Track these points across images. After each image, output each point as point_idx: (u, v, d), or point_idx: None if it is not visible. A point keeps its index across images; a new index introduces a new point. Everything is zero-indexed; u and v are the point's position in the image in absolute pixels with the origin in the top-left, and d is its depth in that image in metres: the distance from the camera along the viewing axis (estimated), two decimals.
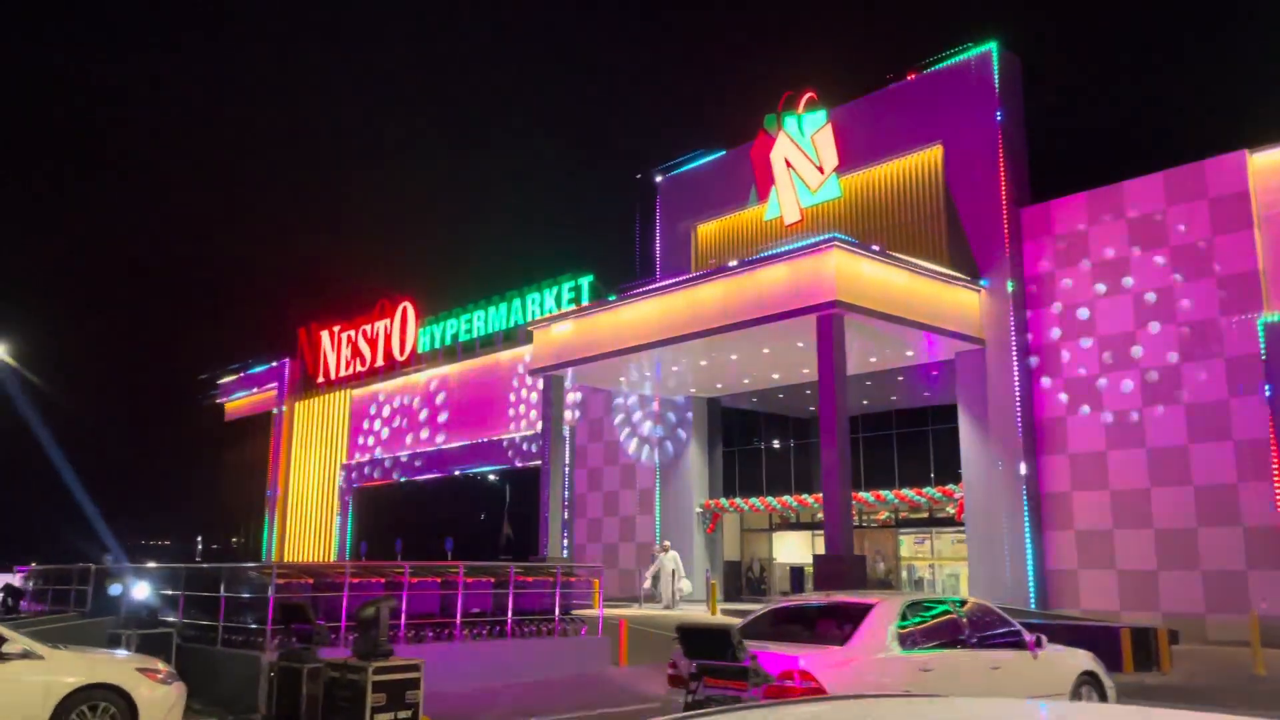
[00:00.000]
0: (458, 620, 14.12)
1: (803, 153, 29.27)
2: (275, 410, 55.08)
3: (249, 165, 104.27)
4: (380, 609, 10.26)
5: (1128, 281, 23.71)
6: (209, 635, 13.81)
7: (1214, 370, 22.17)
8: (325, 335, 51.98)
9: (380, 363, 48.09)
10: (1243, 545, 21.36)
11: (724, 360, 27.28)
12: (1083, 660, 10.17)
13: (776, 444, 32.71)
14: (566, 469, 35.78)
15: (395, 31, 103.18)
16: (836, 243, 22.53)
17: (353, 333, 50.14)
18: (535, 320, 31.36)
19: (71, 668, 9.26)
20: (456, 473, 43.12)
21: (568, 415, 36.80)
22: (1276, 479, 20.93)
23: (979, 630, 9.40)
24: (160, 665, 9.92)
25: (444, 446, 43.81)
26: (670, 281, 27.03)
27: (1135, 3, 55.72)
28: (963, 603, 9.60)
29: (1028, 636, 9.69)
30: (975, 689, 8.91)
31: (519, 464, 39.39)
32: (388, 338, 47.82)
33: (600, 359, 27.80)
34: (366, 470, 48.40)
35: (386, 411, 48.06)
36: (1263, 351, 21.43)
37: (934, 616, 9.14)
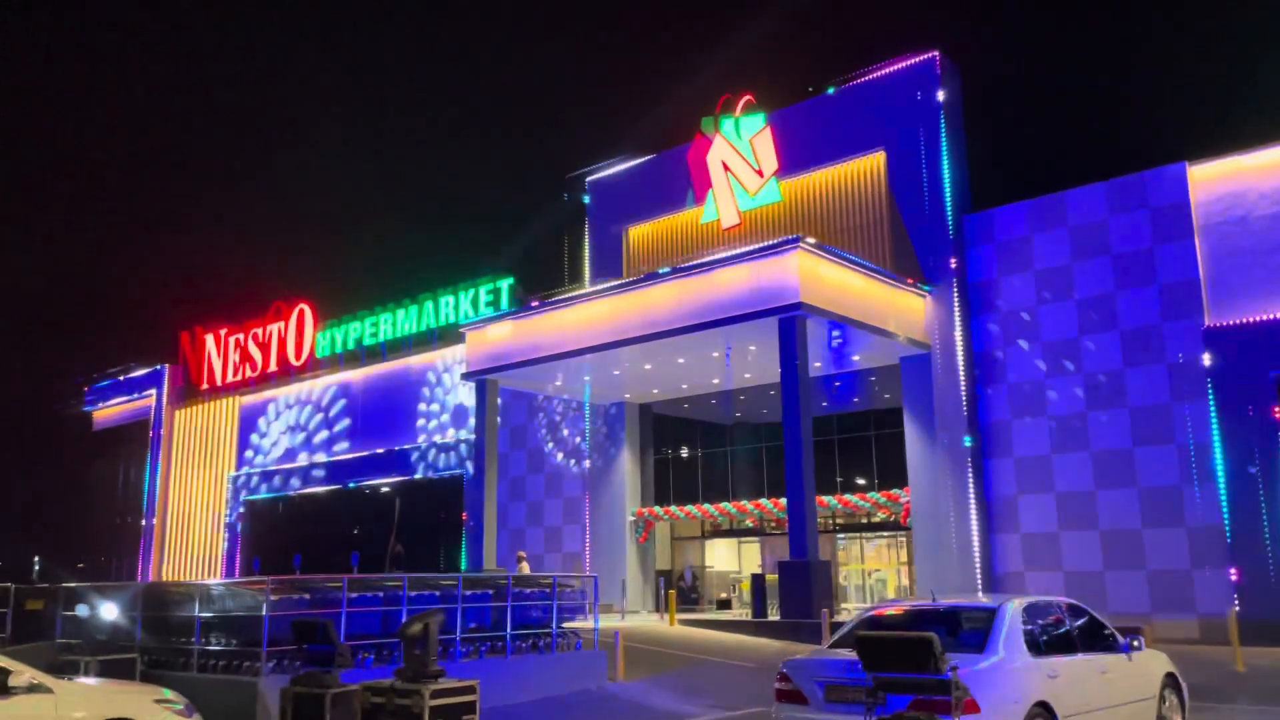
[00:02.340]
0: (457, 636, 12.98)
1: (741, 156, 28.99)
2: (152, 419, 51.49)
3: (135, 159, 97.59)
4: (430, 624, 9.17)
5: (1071, 288, 24.25)
6: (179, 660, 12.26)
7: (1157, 375, 22.82)
8: (210, 339, 48.97)
9: (273, 368, 45.53)
10: (1187, 545, 21.99)
11: (671, 364, 26.67)
12: (1164, 661, 9.93)
13: (712, 450, 32.25)
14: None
15: (309, 24, 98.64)
16: (800, 244, 22.23)
17: (241, 336, 47.37)
18: (469, 322, 30.05)
19: (84, 701, 7.86)
20: (360, 484, 41.09)
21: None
22: (1220, 480, 21.62)
23: (1084, 632, 9.02)
24: (175, 696, 8.57)
25: (346, 456, 41.69)
26: (622, 282, 26.28)
27: (1078, 15, 57.91)
28: (1064, 604, 9.20)
29: (1121, 639, 9.37)
30: (1093, 697, 8.50)
31: (431, 474, 37.79)
32: (281, 342, 45.34)
33: (542, 362, 26.79)
34: (258, 482, 45.69)
35: (281, 419, 45.49)
36: (1205, 358, 22.16)
37: (1047, 619, 8.70)
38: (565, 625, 14.91)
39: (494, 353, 28.17)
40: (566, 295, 27.37)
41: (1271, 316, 21.46)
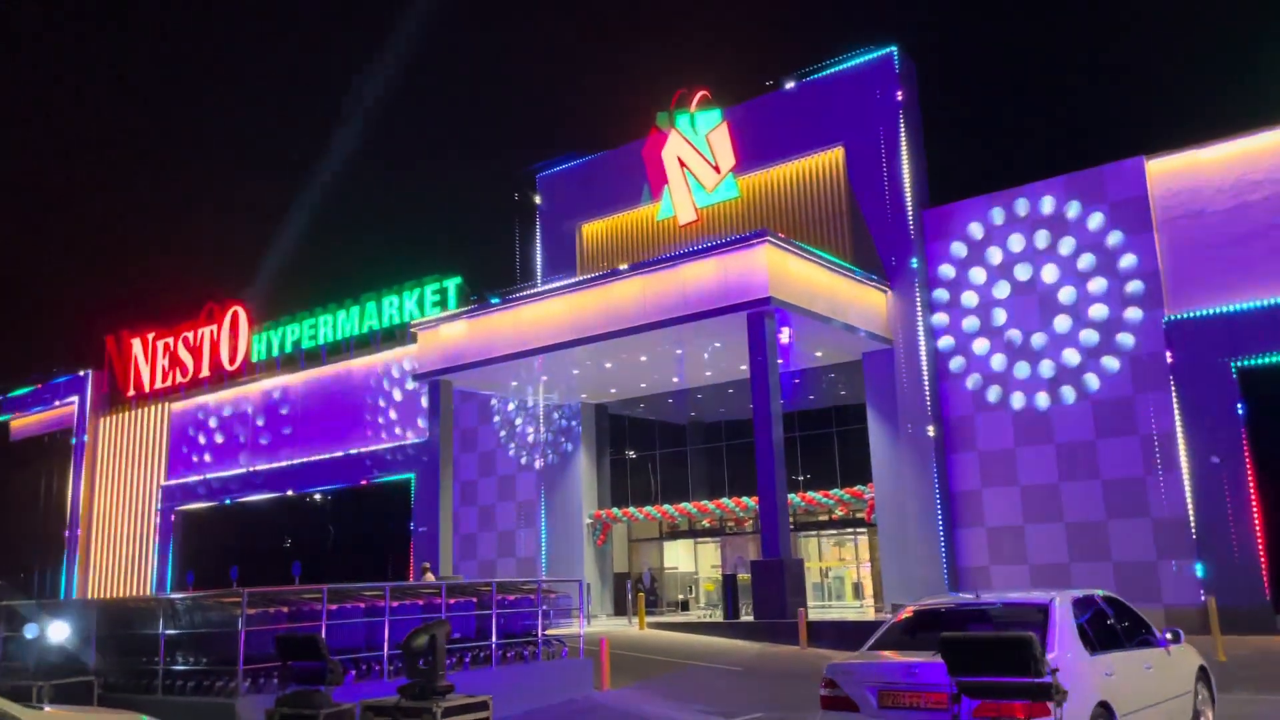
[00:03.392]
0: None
1: (697, 151, 28.54)
2: (74, 427, 49.17)
3: (54, 149, 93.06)
4: (437, 635, 8.46)
5: (1031, 281, 24.29)
6: (141, 682, 11.29)
7: (1118, 368, 22.94)
8: (137, 344, 46.94)
9: (205, 373, 43.83)
10: (1152, 536, 22.13)
11: (633, 362, 26.10)
12: (1195, 654, 9.70)
13: (669, 450, 31.76)
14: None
15: (243, 12, 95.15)
16: (768, 239, 21.86)
17: (171, 341, 45.50)
18: (420, 321, 29.09)
19: None
20: (300, 492, 39.68)
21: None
22: (1183, 470, 21.80)
23: (1126, 627, 8.69)
24: None
25: (285, 463, 40.24)
26: (583, 279, 25.63)
27: (1034, 10, 58.45)
28: (1103, 596, 8.85)
29: (1157, 632, 9.08)
30: (1144, 693, 8.17)
31: (377, 479, 36.64)
32: (214, 345, 43.65)
33: (499, 361, 26.00)
34: (191, 491, 43.88)
35: (215, 425, 43.76)
36: (1166, 350, 22.34)
37: (1094, 614, 8.33)
38: (548, 632, 14.21)
39: (448, 352, 27.28)
40: (525, 292, 26.63)
41: (1231, 308, 21.71)
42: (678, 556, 32.54)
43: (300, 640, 9.15)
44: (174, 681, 11.05)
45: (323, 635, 9.27)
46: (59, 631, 11.74)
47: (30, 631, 11.33)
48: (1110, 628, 8.37)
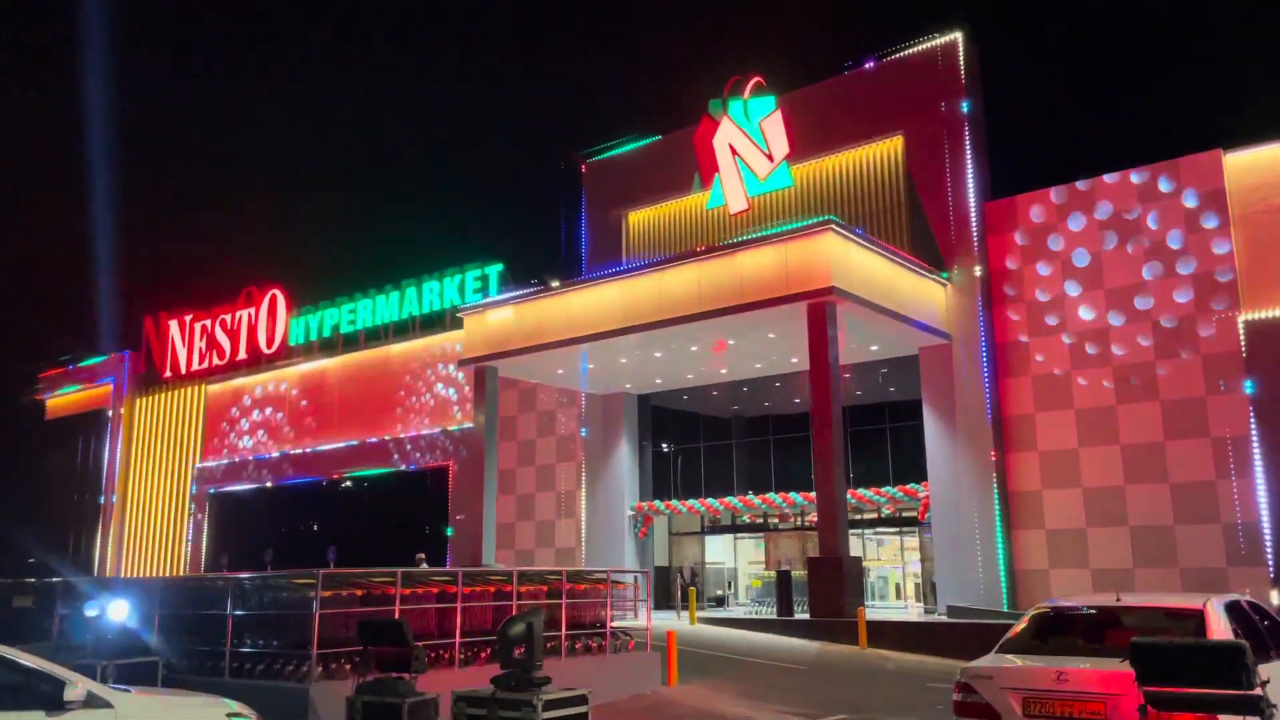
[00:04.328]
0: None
1: (749, 139, 27.90)
2: (110, 408, 49.18)
3: (96, 135, 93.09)
4: (533, 625, 7.98)
5: (1099, 277, 23.55)
6: (206, 664, 10.90)
7: (1191, 367, 22.19)
8: (174, 325, 46.87)
9: (242, 356, 43.69)
10: (1222, 542, 21.39)
11: (683, 352, 25.55)
12: None
13: (713, 444, 31.20)
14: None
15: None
16: (832, 226, 21.26)
17: (209, 323, 45.38)
18: (467, 306, 28.68)
19: (149, 717, 6.58)
20: (336, 477, 39.44)
21: (473, 413, 34.12)
22: (1258, 475, 21.05)
23: (1273, 633, 8.07)
24: (242, 708, 7.29)
25: (321, 448, 40.03)
26: (636, 264, 25.13)
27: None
28: (1247, 602, 8.25)
29: None
30: None
31: (414, 466, 36.33)
32: (252, 329, 43.48)
33: (548, 348, 25.53)
34: (226, 473, 43.78)
35: (251, 409, 43.63)
36: (1243, 349, 21.57)
37: (1244, 620, 7.73)
38: (617, 625, 13.74)
39: (494, 338, 26.85)
40: (578, 279, 26.13)
41: None
42: (717, 551, 32.01)
43: (384, 625, 8.73)
44: (242, 664, 10.65)
45: (406, 621, 8.80)
46: (119, 610, 11.37)
47: (92, 609, 10.96)
48: (1261, 636, 7.77)
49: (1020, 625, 7.99)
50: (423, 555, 25.66)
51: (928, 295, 24.53)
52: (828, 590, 20.12)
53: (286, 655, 10.36)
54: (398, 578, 10.77)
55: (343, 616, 10.16)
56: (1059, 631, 7.83)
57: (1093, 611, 7.92)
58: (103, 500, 48.49)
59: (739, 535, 31.81)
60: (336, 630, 10.21)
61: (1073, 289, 23.88)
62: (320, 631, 9.97)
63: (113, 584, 12.10)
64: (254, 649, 10.72)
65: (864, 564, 30.13)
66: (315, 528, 41.02)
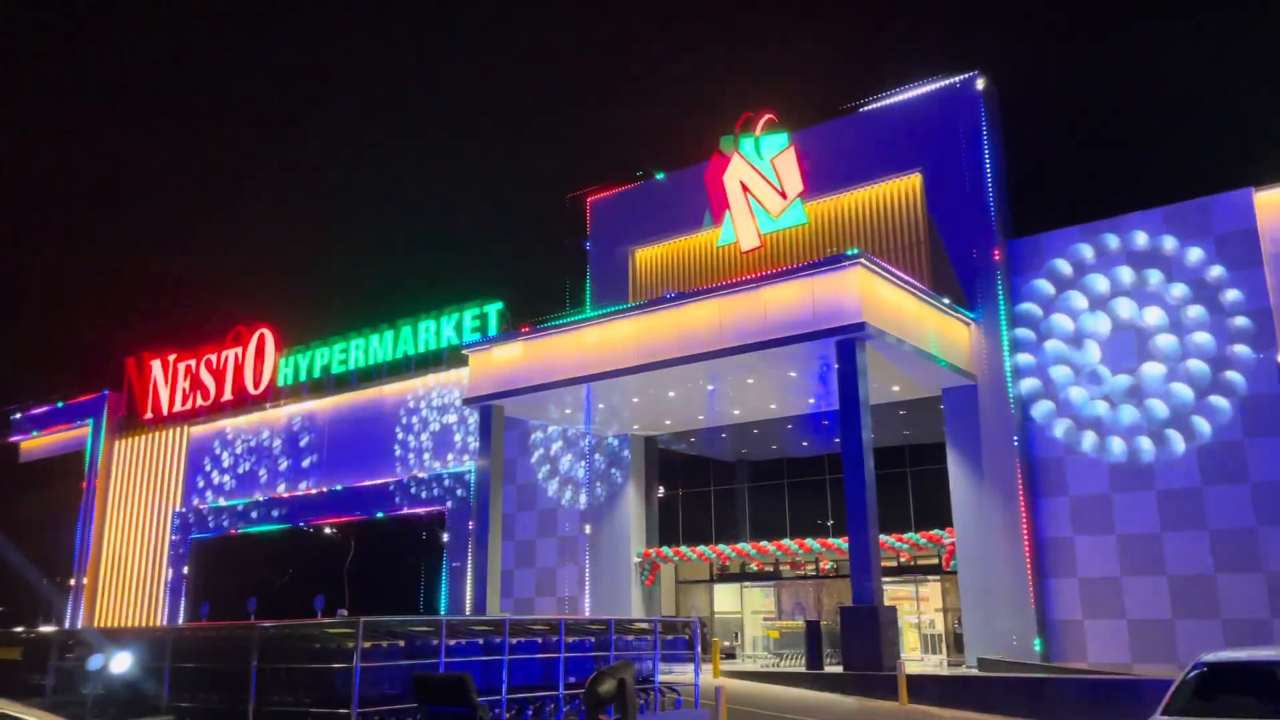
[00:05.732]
0: (560, 694, 10.68)
1: (761, 176, 27.32)
2: (88, 449, 47.53)
3: (82, 170, 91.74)
4: (625, 681, 7.00)
5: (1130, 318, 22.94)
6: None
7: (1227, 410, 21.52)
8: (157, 365, 45.56)
9: (228, 396, 42.41)
10: (1266, 592, 20.56)
11: (698, 391, 24.67)
12: None
13: (723, 488, 30.20)
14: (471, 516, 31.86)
15: (278, 27, 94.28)
16: (861, 260, 20.55)
17: (193, 363, 44.13)
18: (472, 344, 27.73)
19: None
20: (326, 522, 38.05)
21: (467, 458, 33.03)
22: None
23: None
24: None
25: (310, 492, 38.66)
26: (652, 300, 24.30)
27: (1135, 37, 56.48)
28: None
29: None
30: None
31: (408, 509, 35.06)
32: (238, 369, 42.24)
33: (558, 386, 24.58)
34: (208, 519, 42.20)
35: (236, 452, 42.21)
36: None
37: None
38: (665, 678, 12.66)
39: (500, 376, 25.88)
40: (589, 315, 25.28)
41: None
42: (725, 601, 30.85)
43: (445, 681, 7.68)
44: None
45: (468, 675, 7.75)
46: (121, 663, 10.22)
47: (95, 663, 9.81)
48: None
49: (1182, 683, 7.05)
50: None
51: (954, 335, 23.83)
52: (863, 641, 19.08)
53: (317, 714, 9.24)
54: (441, 627, 9.71)
55: (383, 670, 9.07)
56: (1223, 690, 6.92)
57: (1256, 665, 7.02)
58: (78, 545, 46.63)
59: (746, 585, 30.68)
60: (375, 685, 9.12)
61: (1098, 329, 23.25)
62: (361, 688, 8.88)
63: (119, 635, 10.94)
64: (282, 707, 9.59)
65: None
66: (303, 575, 39.49)
